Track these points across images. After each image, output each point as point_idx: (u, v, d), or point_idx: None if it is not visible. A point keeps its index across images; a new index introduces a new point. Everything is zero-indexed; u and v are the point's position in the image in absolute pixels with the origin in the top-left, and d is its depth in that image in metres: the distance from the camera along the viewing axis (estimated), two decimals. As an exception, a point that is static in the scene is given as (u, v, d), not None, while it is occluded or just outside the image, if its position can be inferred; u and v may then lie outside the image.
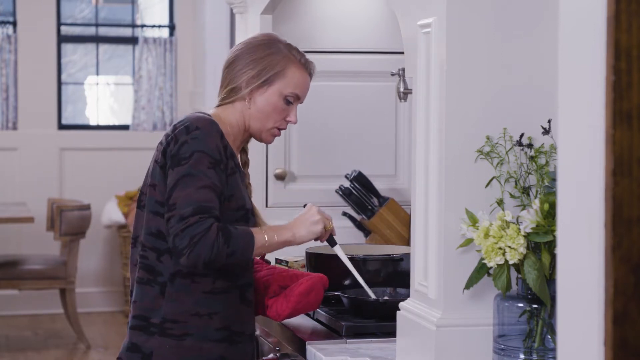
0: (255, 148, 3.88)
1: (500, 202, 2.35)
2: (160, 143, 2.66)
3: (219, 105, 2.79)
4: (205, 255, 2.53)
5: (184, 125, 2.63)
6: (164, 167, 2.63)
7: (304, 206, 2.80)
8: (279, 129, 2.80)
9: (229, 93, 2.77)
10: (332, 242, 2.85)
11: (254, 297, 2.76)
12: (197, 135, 2.60)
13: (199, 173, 2.57)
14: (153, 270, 2.66)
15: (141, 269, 2.69)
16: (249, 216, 2.69)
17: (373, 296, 2.95)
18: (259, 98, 2.74)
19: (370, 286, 3.10)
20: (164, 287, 2.65)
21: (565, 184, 1.60)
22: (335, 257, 3.18)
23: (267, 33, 2.91)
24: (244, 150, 2.87)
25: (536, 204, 2.19)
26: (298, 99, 2.80)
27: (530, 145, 2.33)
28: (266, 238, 2.64)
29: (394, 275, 3.17)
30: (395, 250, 3.38)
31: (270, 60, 2.75)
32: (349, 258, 3.20)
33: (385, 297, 3.05)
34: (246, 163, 2.87)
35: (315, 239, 2.78)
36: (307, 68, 2.81)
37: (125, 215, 7.99)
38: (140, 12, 9.21)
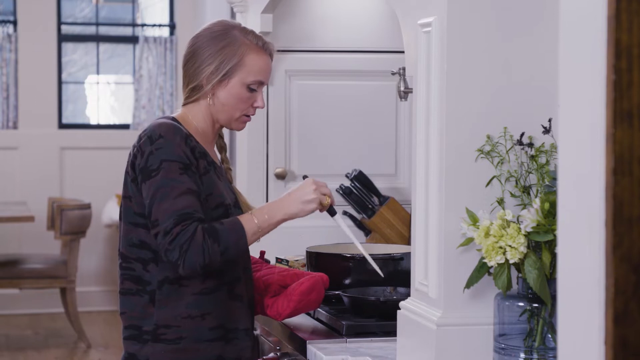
0: (255, 147, 3.89)
1: (500, 201, 2.35)
2: (129, 154, 2.63)
3: (185, 104, 2.75)
4: (199, 261, 2.51)
5: (147, 135, 2.59)
6: (135, 180, 2.60)
7: (304, 177, 2.73)
8: (248, 116, 2.74)
9: (191, 92, 2.72)
10: (332, 212, 2.74)
11: (244, 291, 2.74)
12: (161, 144, 2.56)
13: (172, 182, 2.54)
14: (141, 280, 2.65)
15: (127, 280, 2.67)
16: (230, 211, 2.65)
17: (378, 271, 2.83)
18: (222, 92, 2.68)
19: (370, 285, 3.10)
20: (153, 295, 2.63)
21: (566, 183, 1.60)
22: (336, 257, 3.18)
23: (219, 21, 2.79)
24: (219, 136, 2.82)
25: (537, 203, 2.19)
26: (262, 84, 2.72)
27: (530, 145, 2.33)
28: (257, 222, 2.60)
29: (395, 274, 3.17)
30: (396, 249, 3.38)
31: (227, 52, 2.68)
32: (355, 257, 3.20)
33: (388, 297, 3.05)
34: (223, 148, 2.84)
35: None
36: (267, 50, 2.73)
37: (126, 214, 7.99)
38: (141, 11, 9.21)
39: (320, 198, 2.67)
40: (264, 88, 2.77)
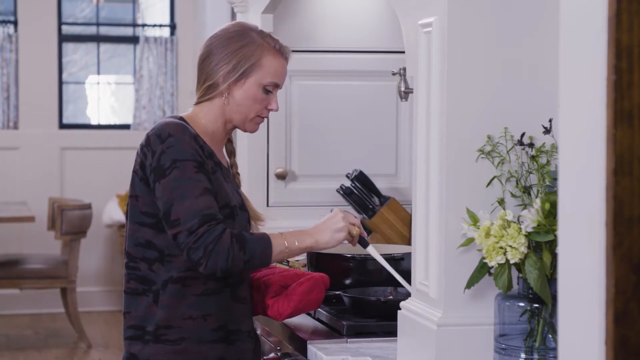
0: (256, 147, 3.89)
1: (501, 202, 2.35)
2: (137, 154, 2.63)
3: (197, 103, 2.75)
4: (222, 263, 2.52)
5: (155, 134, 2.59)
6: (145, 180, 2.60)
7: (332, 211, 2.76)
8: (262, 117, 2.75)
9: (207, 90, 2.72)
10: (364, 244, 2.79)
11: (247, 293, 2.74)
12: (172, 142, 2.57)
13: (190, 181, 2.54)
14: (147, 280, 2.64)
15: (133, 280, 2.67)
16: (235, 213, 2.66)
17: (409, 288, 2.86)
18: (238, 92, 2.69)
19: (371, 285, 3.10)
20: (157, 295, 2.63)
21: (566, 183, 1.60)
22: (336, 257, 3.18)
23: (237, 22, 2.81)
24: (229, 140, 2.83)
25: (537, 203, 2.19)
26: (277, 86, 2.73)
27: (531, 145, 2.33)
28: (286, 244, 2.62)
29: (395, 274, 3.17)
30: (396, 249, 3.37)
31: (245, 52, 2.69)
32: (355, 257, 3.20)
33: (389, 297, 3.05)
34: (232, 152, 2.85)
35: (349, 242, 2.75)
36: (283, 53, 2.74)
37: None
38: (141, 11, 9.22)
39: (349, 227, 2.70)
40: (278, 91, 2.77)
